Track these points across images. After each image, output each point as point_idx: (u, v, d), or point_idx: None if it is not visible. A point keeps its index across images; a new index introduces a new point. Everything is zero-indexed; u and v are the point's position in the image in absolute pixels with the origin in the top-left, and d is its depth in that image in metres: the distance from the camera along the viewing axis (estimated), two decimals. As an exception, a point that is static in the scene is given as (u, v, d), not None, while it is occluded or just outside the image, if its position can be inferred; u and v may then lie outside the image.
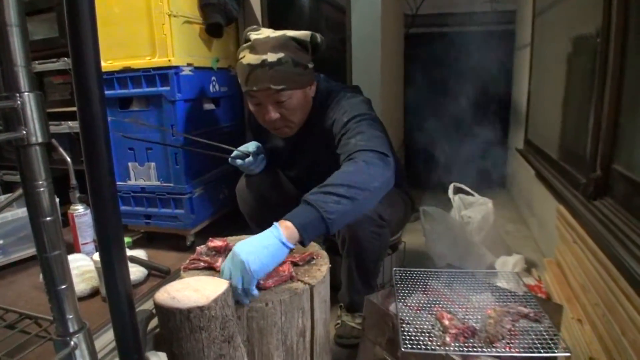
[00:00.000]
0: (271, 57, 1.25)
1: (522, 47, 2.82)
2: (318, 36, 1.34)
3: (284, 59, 1.26)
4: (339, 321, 1.48)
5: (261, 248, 0.89)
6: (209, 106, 1.95)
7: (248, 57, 1.27)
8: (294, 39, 1.29)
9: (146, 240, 1.95)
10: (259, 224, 1.47)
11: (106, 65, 1.75)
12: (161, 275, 1.56)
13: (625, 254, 1.05)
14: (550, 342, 0.95)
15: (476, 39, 3.30)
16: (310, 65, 1.35)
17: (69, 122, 1.95)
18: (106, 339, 1.26)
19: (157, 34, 1.65)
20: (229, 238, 1.19)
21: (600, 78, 1.33)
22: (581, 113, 1.52)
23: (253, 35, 1.31)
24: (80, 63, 0.61)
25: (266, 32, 1.31)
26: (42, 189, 0.52)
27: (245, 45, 1.31)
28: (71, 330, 0.58)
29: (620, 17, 1.26)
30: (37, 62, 2.11)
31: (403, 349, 0.94)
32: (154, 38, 1.66)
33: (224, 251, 1.12)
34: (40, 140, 0.52)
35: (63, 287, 0.56)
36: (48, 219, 0.53)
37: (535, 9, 2.44)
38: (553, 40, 2.07)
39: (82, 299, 1.40)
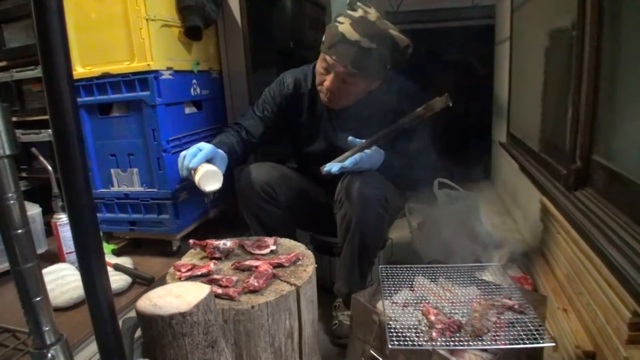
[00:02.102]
0: (365, 42, 1.31)
1: (502, 41, 2.85)
2: (411, 48, 1.38)
3: (374, 51, 1.32)
4: (336, 322, 1.48)
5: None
6: (190, 110, 1.93)
7: (346, 28, 1.32)
8: (393, 38, 1.33)
9: (132, 247, 1.93)
10: (263, 223, 1.47)
11: (85, 71, 1.73)
12: (145, 283, 1.55)
13: (606, 243, 1.06)
14: (535, 332, 0.96)
15: (458, 35, 3.33)
16: (389, 67, 1.40)
17: (49, 130, 1.93)
18: (93, 349, 1.25)
19: (135, 38, 1.64)
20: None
21: (577, 70, 1.35)
22: (560, 105, 1.54)
23: (361, 10, 1.35)
24: (50, 70, 0.59)
25: (374, 16, 1.35)
26: (12, 202, 0.51)
27: (350, 12, 1.35)
28: (48, 342, 0.57)
29: (595, 9, 1.27)
30: (15, 70, 2.08)
31: (390, 346, 0.95)
32: (132, 43, 1.64)
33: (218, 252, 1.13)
34: (7, 152, 0.51)
35: (38, 299, 0.55)
36: (19, 231, 0.52)
37: (513, 4, 2.46)
38: (531, 34, 2.09)
39: (68, 309, 1.39)
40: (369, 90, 1.47)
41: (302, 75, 1.57)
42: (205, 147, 1.31)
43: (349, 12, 1.36)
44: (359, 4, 1.36)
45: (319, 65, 1.44)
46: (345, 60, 1.33)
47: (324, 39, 1.40)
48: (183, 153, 1.31)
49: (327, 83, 1.41)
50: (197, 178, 1.26)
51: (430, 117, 1.26)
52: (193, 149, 1.31)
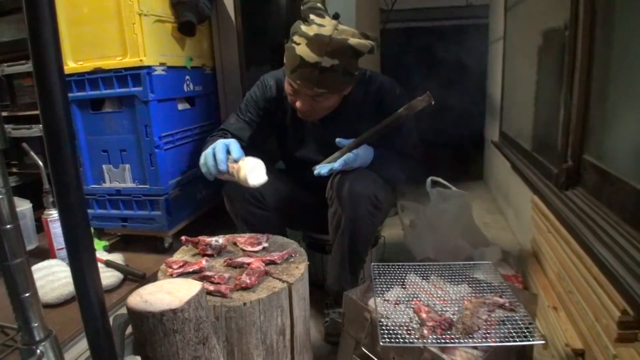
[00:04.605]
0: (326, 61, 1.26)
1: (496, 40, 2.86)
2: (375, 47, 1.33)
3: (337, 67, 1.27)
4: (328, 319, 1.49)
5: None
6: (183, 106, 1.92)
7: (303, 50, 1.27)
8: (353, 48, 1.27)
9: (123, 243, 1.92)
10: (252, 226, 1.46)
11: (77, 66, 1.72)
12: (136, 279, 1.54)
13: (596, 242, 1.07)
14: (525, 330, 0.97)
15: (452, 34, 3.33)
16: (356, 73, 1.36)
17: (40, 125, 1.91)
18: (83, 346, 1.24)
19: (127, 33, 1.63)
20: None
21: (569, 70, 1.35)
22: (552, 104, 1.55)
23: (315, 26, 1.27)
24: (41, 64, 0.59)
25: (329, 28, 1.27)
26: (0, 197, 0.51)
27: (305, 30, 1.28)
28: (37, 338, 0.57)
29: (588, 9, 1.28)
30: (6, 64, 2.06)
31: (382, 343, 0.95)
32: (125, 38, 1.63)
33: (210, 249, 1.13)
34: (-4, 147, 0.51)
35: (27, 295, 0.55)
36: (8, 226, 0.52)
37: (506, 3, 2.47)
38: (524, 34, 2.10)
39: (58, 305, 1.38)
40: (346, 94, 1.44)
41: (283, 77, 1.50)
42: (230, 141, 1.26)
43: (303, 28, 1.29)
44: (312, 16, 1.30)
45: (287, 87, 1.40)
46: (311, 84, 1.30)
47: (285, 60, 1.35)
48: (208, 151, 1.24)
49: (299, 105, 1.38)
50: (243, 172, 1.18)
51: (416, 114, 1.26)
52: (219, 144, 1.24)
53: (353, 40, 1.27)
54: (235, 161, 1.21)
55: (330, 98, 1.37)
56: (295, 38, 1.30)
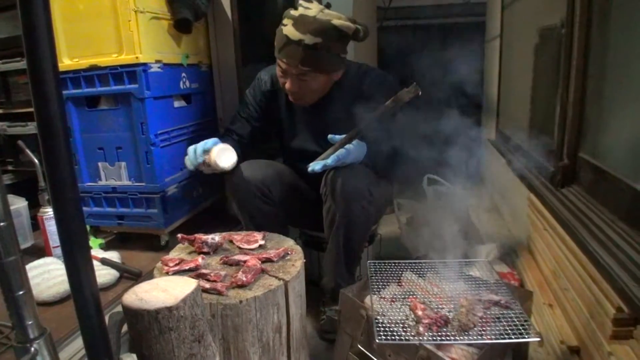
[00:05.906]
0: (309, 39, 1.32)
1: (492, 39, 2.85)
2: (362, 30, 1.38)
3: (320, 45, 1.33)
4: (324, 316, 1.49)
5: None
6: (179, 103, 1.92)
7: (289, 29, 1.35)
8: (337, 28, 1.33)
9: (119, 241, 1.91)
10: (257, 222, 1.47)
11: (72, 63, 1.71)
12: (132, 277, 1.54)
13: (591, 240, 1.08)
14: (521, 327, 0.97)
15: (449, 31, 3.33)
16: (343, 55, 1.42)
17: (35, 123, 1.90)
18: (79, 344, 1.24)
19: (123, 30, 1.62)
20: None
21: (566, 68, 1.36)
22: (548, 103, 1.55)
23: (302, 8, 1.36)
24: (35, 61, 0.59)
25: (315, 10, 1.35)
26: (-6, 194, 0.51)
27: (292, 13, 1.37)
28: (31, 336, 0.57)
29: (584, 7, 1.28)
30: (0, 61, 2.05)
31: (377, 340, 0.95)
32: (121, 35, 1.63)
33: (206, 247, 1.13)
34: (-11, 144, 0.50)
35: (21, 293, 0.54)
36: (2, 224, 0.51)
37: (503, 1, 2.47)
38: (521, 32, 2.10)
39: (54, 303, 1.37)
40: (336, 80, 1.49)
41: (276, 71, 1.57)
42: (209, 140, 1.41)
43: (292, 12, 1.37)
44: (300, 1, 1.37)
45: (277, 70, 1.46)
46: (295, 61, 1.36)
47: (275, 44, 1.42)
48: (190, 147, 1.40)
49: (287, 85, 1.44)
50: (213, 157, 1.35)
51: (402, 107, 1.28)
52: (200, 143, 1.39)
53: (337, 21, 1.33)
54: (207, 151, 1.39)
55: (315, 78, 1.42)
56: (284, 21, 1.39)
